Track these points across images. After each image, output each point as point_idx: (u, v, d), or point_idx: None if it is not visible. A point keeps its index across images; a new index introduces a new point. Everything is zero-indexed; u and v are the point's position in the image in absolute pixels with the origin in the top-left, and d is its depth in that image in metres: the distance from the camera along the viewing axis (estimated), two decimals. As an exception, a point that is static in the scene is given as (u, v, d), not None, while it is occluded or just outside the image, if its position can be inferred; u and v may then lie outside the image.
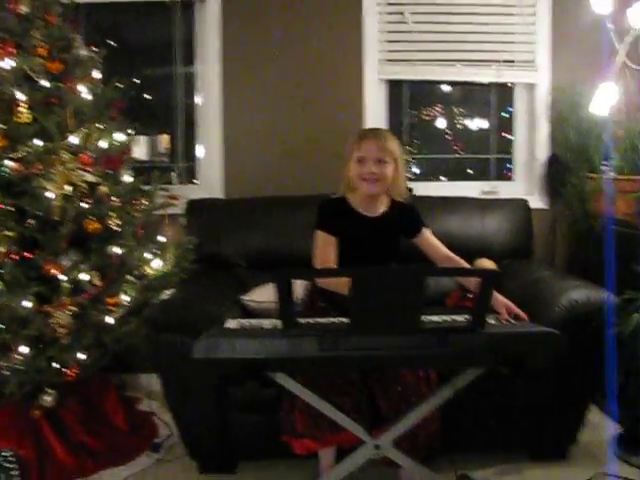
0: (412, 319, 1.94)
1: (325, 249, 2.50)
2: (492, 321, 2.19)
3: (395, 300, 1.90)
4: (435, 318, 2.19)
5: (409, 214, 2.64)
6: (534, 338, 2.07)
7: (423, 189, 3.66)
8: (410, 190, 2.68)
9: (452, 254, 2.60)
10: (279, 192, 3.64)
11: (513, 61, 3.87)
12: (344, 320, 2.12)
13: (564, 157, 3.77)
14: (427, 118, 4.17)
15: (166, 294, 2.80)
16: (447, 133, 4.19)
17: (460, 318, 2.20)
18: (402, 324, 1.94)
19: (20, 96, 2.84)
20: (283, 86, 3.82)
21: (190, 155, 3.98)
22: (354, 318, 1.95)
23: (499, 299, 2.31)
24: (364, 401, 2.41)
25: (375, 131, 2.55)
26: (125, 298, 2.99)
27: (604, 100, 3.33)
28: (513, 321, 2.27)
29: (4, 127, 2.85)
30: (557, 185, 3.79)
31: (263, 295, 3.03)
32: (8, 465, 2.74)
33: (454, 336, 1.97)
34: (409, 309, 1.93)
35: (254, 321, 2.21)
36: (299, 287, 2.81)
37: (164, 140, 4.25)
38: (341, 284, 2.20)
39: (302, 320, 2.07)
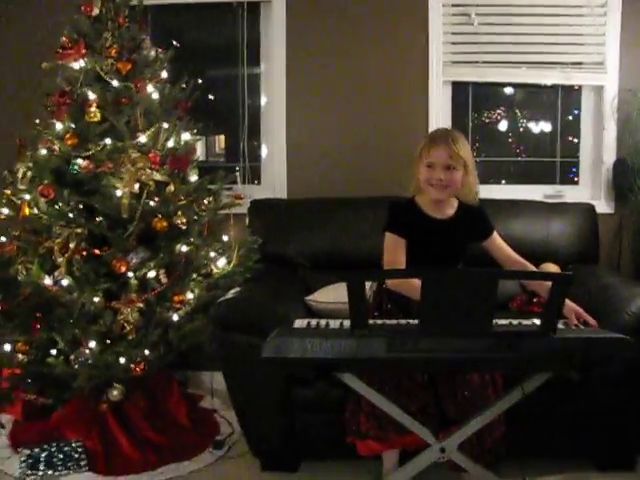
0: (483, 322, 1.93)
1: (395, 251, 2.48)
2: (561, 326, 2.16)
3: (467, 303, 1.89)
4: (503, 322, 2.17)
5: (479, 217, 2.61)
6: (605, 343, 2.03)
7: (486, 192, 3.58)
8: (476, 193, 2.64)
9: (520, 258, 2.57)
10: (342, 193, 3.64)
11: (581, 63, 3.80)
12: (412, 322, 2.12)
13: (632, 161, 3.69)
14: (491, 120, 4.12)
15: (231, 293, 2.81)
16: (510, 136, 4.13)
17: (528, 322, 2.18)
18: (473, 327, 1.93)
19: (91, 96, 2.92)
20: (347, 87, 3.83)
21: (252, 155, 4.01)
22: (424, 320, 1.94)
23: (568, 304, 2.27)
24: (431, 404, 2.40)
25: (445, 136, 2.49)
26: (191, 296, 3.04)
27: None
28: (582, 327, 2.24)
29: (75, 126, 2.93)
30: (624, 189, 3.72)
31: (327, 296, 3.04)
32: (77, 455, 2.81)
33: (525, 340, 1.95)
34: (481, 312, 1.91)
35: (322, 321, 2.21)
36: (366, 288, 2.80)
37: (220, 141, 4.29)
38: (413, 288, 2.19)
39: (371, 321, 2.07)
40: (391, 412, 2.23)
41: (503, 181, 4.13)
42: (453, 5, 3.79)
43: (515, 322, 2.20)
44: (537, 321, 2.13)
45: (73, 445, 2.85)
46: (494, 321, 2.03)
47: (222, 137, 4.32)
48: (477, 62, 3.81)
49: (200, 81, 4.00)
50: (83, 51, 2.97)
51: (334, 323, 2.18)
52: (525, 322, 2.20)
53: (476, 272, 1.99)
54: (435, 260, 2.47)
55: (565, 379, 2.13)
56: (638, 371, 2.50)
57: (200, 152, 4.13)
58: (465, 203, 2.59)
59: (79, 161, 2.90)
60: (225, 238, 3.36)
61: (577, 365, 2.06)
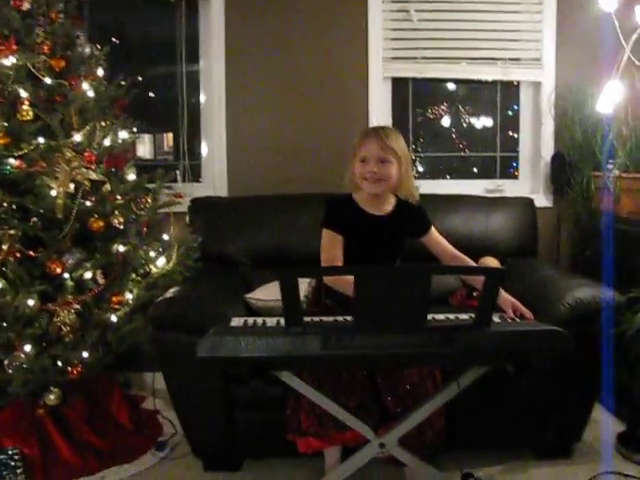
0: (418, 318, 1.93)
1: (333, 248, 2.48)
2: (497, 319, 2.19)
3: (401, 298, 1.89)
4: (440, 317, 2.19)
5: (416, 214, 2.62)
6: (539, 336, 2.05)
7: (427, 187, 3.63)
8: (416, 188, 2.65)
9: (458, 253, 2.59)
10: (283, 190, 3.62)
11: (519, 59, 3.86)
12: (349, 318, 2.11)
13: (569, 155, 3.76)
14: (432, 116, 4.15)
15: (170, 292, 2.78)
16: (452, 131, 4.17)
17: (465, 317, 2.20)
18: (408, 323, 1.93)
19: (23, 93, 2.84)
20: (287, 84, 3.81)
21: (194, 153, 3.97)
22: (359, 316, 1.94)
23: (505, 297, 2.30)
24: (370, 399, 2.41)
25: (378, 130, 2.50)
26: (129, 296, 2.99)
27: (610, 98, 3.31)
28: (518, 319, 2.27)
29: (7, 125, 2.85)
30: (562, 183, 3.78)
31: (268, 293, 3.02)
32: (13, 463, 2.74)
33: (460, 334, 1.96)
34: (415, 308, 1.92)
35: (259, 319, 2.20)
36: (304, 285, 2.79)
37: (168, 138, 4.25)
38: (346, 284, 2.18)
39: (307, 318, 2.06)
40: (330, 409, 2.23)
41: (447, 176, 4.16)
42: (392, 1, 3.80)
43: (452, 317, 2.22)
44: (474, 315, 2.15)
45: (9, 453, 2.77)
46: (430, 316, 2.04)
47: (170, 135, 4.26)
48: (417, 58, 3.84)
49: (140, 79, 3.95)
50: (14, 47, 2.87)
51: (271, 321, 2.17)
52: (462, 316, 2.22)
53: (409, 268, 2.00)
54: (373, 256, 2.48)
55: (501, 372, 2.14)
56: (572, 362, 2.54)
57: (148, 150, 4.10)
58: (403, 200, 2.59)
59: (11, 161, 2.82)
60: (165, 237, 3.32)
61: (512, 358, 2.08)
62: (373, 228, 2.54)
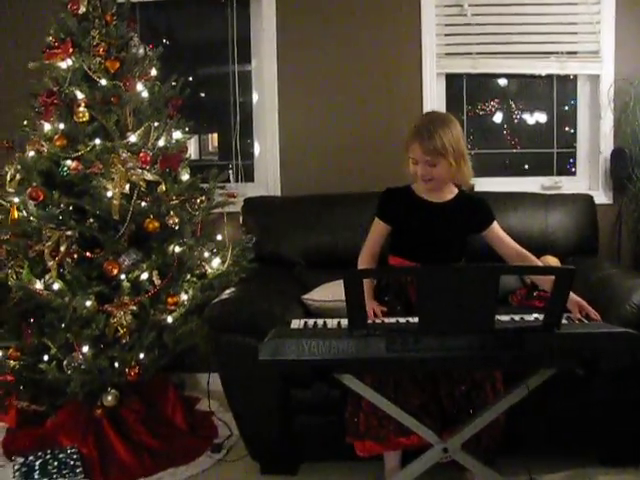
0: (486, 319, 1.88)
1: (371, 238, 2.59)
2: (564, 320, 2.12)
3: (467, 299, 1.84)
4: (505, 318, 2.13)
5: (479, 206, 2.58)
6: (610, 338, 1.99)
7: (482, 185, 3.57)
8: (472, 186, 2.61)
9: (523, 249, 2.53)
10: (337, 189, 3.58)
11: (576, 52, 3.75)
12: (412, 319, 2.07)
13: (629, 150, 3.64)
14: (485, 112, 4.07)
15: (226, 293, 2.76)
16: (506, 128, 4.08)
17: (530, 318, 2.14)
18: (475, 324, 1.88)
19: (79, 95, 2.87)
20: (340, 82, 3.77)
21: (245, 153, 3.95)
22: (424, 318, 1.89)
23: (572, 297, 2.23)
24: (431, 402, 2.35)
25: (422, 131, 2.41)
26: (185, 297, 2.99)
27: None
28: (585, 320, 2.20)
29: (64, 127, 2.88)
30: (622, 179, 3.67)
31: (324, 294, 2.98)
32: (72, 462, 2.76)
33: (529, 336, 1.91)
34: (482, 309, 1.87)
35: (319, 321, 2.17)
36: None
37: (213, 139, 4.24)
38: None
39: (369, 320, 2.03)
40: (392, 412, 2.18)
41: (500, 174, 4.07)
42: (446, -4, 3.74)
43: (517, 318, 2.16)
44: (539, 316, 2.09)
45: (68, 452, 2.80)
46: (495, 317, 1.98)
47: (215, 135, 4.27)
48: (471, 53, 3.75)
49: (191, 79, 3.96)
50: (70, 50, 2.92)
51: (331, 323, 2.15)
52: (527, 317, 2.16)
53: (476, 268, 1.94)
54: (433, 245, 2.48)
55: (570, 375, 2.07)
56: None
57: (193, 151, 4.10)
58: (465, 192, 2.57)
59: (68, 162, 2.85)
60: (219, 237, 3.31)
61: (582, 361, 2.01)
62: (431, 215, 2.52)
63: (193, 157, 4.09)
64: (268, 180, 3.83)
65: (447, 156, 2.40)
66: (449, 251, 2.53)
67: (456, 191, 2.56)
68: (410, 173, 2.50)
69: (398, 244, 2.58)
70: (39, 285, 2.77)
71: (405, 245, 2.55)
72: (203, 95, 4.11)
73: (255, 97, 3.89)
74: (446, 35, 3.77)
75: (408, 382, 2.35)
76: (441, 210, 2.53)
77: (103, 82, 2.92)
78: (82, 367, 2.71)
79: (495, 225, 2.57)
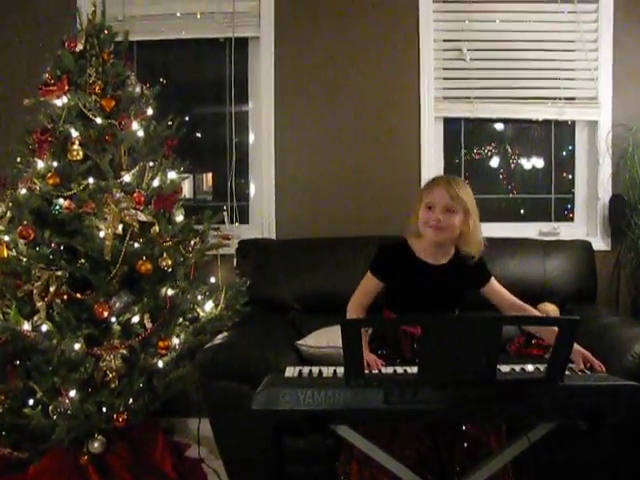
0: (487, 370, 1.82)
1: (361, 291, 2.51)
2: (567, 372, 2.06)
3: (469, 350, 1.79)
4: (505, 368, 2.08)
5: (476, 266, 2.51)
6: (615, 392, 1.93)
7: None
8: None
9: (518, 301, 2.49)
10: (332, 233, 3.55)
11: (574, 98, 3.76)
12: (409, 369, 2.02)
13: (628, 197, 3.63)
14: (483, 157, 4.05)
15: (219, 338, 2.71)
16: (502, 172, 4.07)
17: (530, 368, 2.09)
18: (476, 376, 1.82)
19: (74, 133, 2.85)
20: (337, 125, 3.76)
21: (239, 194, 3.91)
22: (423, 368, 1.84)
23: (575, 348, 2.17)
24: (430, 455, 2.28)
25: (448, 178, 2.44)
26: (176, 341, 2.93)
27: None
28: (588, 372, 2.14)
29: (57, 164, 2.84)
30: (621, 226, 3.65)
31: (319, 340, 2.92)
32: (55, 513, 2.67)
33: (531, 388, 1.85)
34: (484, 360, 1.81)
35: (314, 369, 2.11)
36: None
37: (208, 178, 4.21)
38: None
39: (367, 370, 1.97)
40: (388, 464, 2.10)
41: (497, 219, 4.04)
42: (445, 40, 3.75)
43: (517, 368, 2.11)
44: (540, 366, 2.05)
45: (52, 501, 2.71)
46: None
47: (209, 175, 4.23)
48: (469, 97, 3.76)
49: (187, 119, 3.94)
50: (66, 87, 2.90)
51: (327, 371, 2.08)
52: (528, 368, 2.10)
53: (479, 319, 1.89)
54: (428, 306, 2.38)
55: (573, 428, 2.01)
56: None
57: (187, 190, 4.06)
58: (461, 251, 2.49)
59: (60, 201, 2.82)
60: (212, 280, 3.26)
61: (585, 414, 1.94)
62: (428, 277, 2.46)
63: (187, 196, 4.06)
64: (263, 222, 3.79)
65: (467, 211, 2.39)
66: (445, 308, 2.48)
67: (453, 252, 2.51)
68: (418, 224, 2.43)
69: (392, 299, 2.52)
70: (27, 326, 2.70)
71: (399, 301, 2.49)
72: (199, 135, 4.09)
73: (251, 138, 3.87)
74: (444, 79, 3.77)
75: (405, 433, 2.28)
76: (438, 273, 2.47)
77: (98, 120, 2.89)
78: (68, 412, 2.64)
79: (492, 281, 2.53)
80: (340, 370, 1.97)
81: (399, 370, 2.09)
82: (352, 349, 1.79)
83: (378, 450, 2.10)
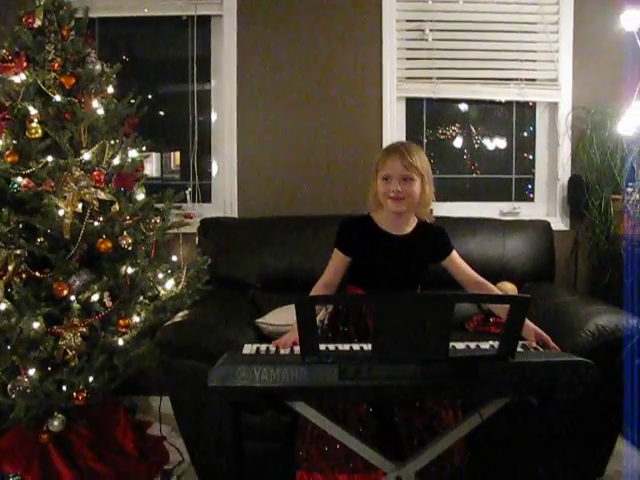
0: (440, 348, 1.85)
1: (332, 269, 2.51)
2: (520, 349, 2.10)
3: (422, 328, 1.81)
4: (460, 345, 2.11)
5: (438, 236, 2.55)
6: (566, 368, 1.96)
7: (441, 210, 3.56)
8: (431, 210, 2.58)
9: (480, 278, 2.51)
10: (295, 211, 3.57)
11: (535, 79, 3.80)
12: (366, 347, 2.04)
13: (587, 177, 3.68)
14: (444, 137, 4.08)
15: (179, 316, 2.71)
16: (465, 153, 4.10)
17: (486, 345, 2.12)
18: (429, 352, 1.85)
19: (32, 111, 2.81)
20: (300, 104, 3.75)
21: (204, 173, 3.90)
22: (377, 345, 1.86)
23: (529, 326, 2.22)
24: (388, 434, 2.32)
25: (401, 147, 2.43)
26: (137, 319, 2.93)
27: (632, 119, 3.24)
28: (541, 349, 2.18)
29: (15, 142, 2.81)
30: (580, 206, 3.70)
31: (279, 318, 2.95)
32: (15, 490, 2.67)
33: (483, 365, 1.88)
34: (437, 337, 1.83)
35: (271, 346, 2.13)
36: (320, 310, 2.70)
37: (175, 157, 4.19)
38: None
39: (322, 346, 1.99)
40: (343, 440, 2.13)
41: (459, 198, 4.08)
42: (407, 20, 3.76)
43: (472, 345, 2.13)
44: (495, 343, 2.07)
45: (10, 479, 2.70)
46: (450, 345, 1.95)
47: (177, 154, 4.20)
48: (431, 78, 3.77)
49: (150, 97, 3.91)
50: (24, 64, 2.85)
51: (285, 349, 2.10)
52: (483, 345, 2.13)
53: (431, 296, 1.92)
54: (391, 278, 2.43)
55: (525, 403, 2.05)
56: (594, 394, 2.46)
57: (154, 169, 4.04)
58: (424, 222, 2.54)
59: (19, 179, 2.77)
60: (174, 259, 3.26)
61: (537, 390, 1.99)
62: (391, 248, 2.48)
63: (155, 175, 4.04)
64: (225, 201, 3.79)
65: (422, 177, 2.40)
66: (407, 281, 2.51)
67: (415, 222, 2.53)
68: (377, 196, 2.46)
69: (356, 274, 2.54)
70: (-15, 305, 2.68)
71: (363, 275, 2.51)
72: (162, 113, 4.05)
73: (214, 117, 3.85)
74: (407, 59, 3.78)
75: (359, 412, 2.32)
76: (401, 243, 2.49)
77: (57, 98, 2.85)
78: (27, 391, 2.62)
79: (454, 254, 2.55)
80: (297, 348, 1.99)
81: (355, 347, 2.11)
82: (306, 326, 1.80)
83: (334, 425, 2.11)
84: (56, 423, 2.79)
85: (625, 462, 2.99)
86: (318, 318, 2.54)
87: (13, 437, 2.85)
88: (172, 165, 4.22)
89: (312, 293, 2.46)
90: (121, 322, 2.86)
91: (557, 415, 2.57)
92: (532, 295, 3.04)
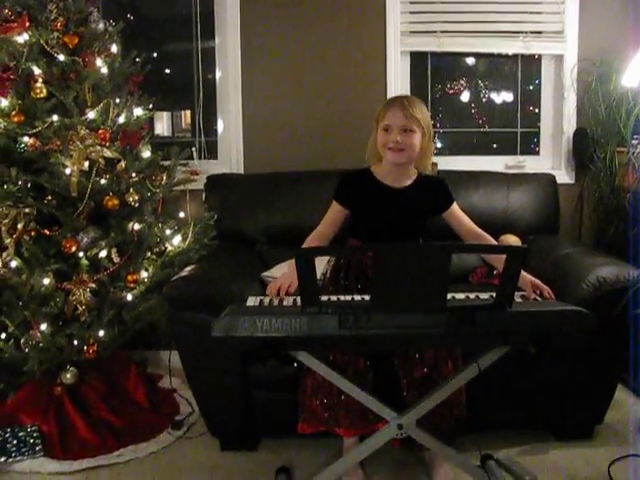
0: (438, 297, 1.89)
1: (326, 220, 2.54)
2: (518, 299, 2.14)
3: (420, 278, 1.85)
4: (460, 296, 2.15)
5: (439, 188, 2.56)
6: (564, 317, 2.01)
7: (446, 164, 3.58)
8: (434, 164, 2.60)
9: (480, 230, 2.53)
10: (300, 167, 3.58)
11: (541, 32, 3.76)
12: (367, 298, 2.08)
13: (592, 130, 3.67)
14: (452, 92, 4.07)
15: (186, 271, 2.76)
16: (471, 107, 4.09)
17: (485, 296, 2.15)
18: (427, 302, 1.90)
19: (36, 71, 2.82)
20: (304, 60, 3.74)
21: (210, 131, 3.92)
22: (376, 296, 1.90)
23: (525, 276, 2.24)
24: (389, 385, 2.40)
25: (402, 99, 2.45)
26: (145, 275, 2.99)
27: (636, 71, 3.22)
28: (539, 299, 2.22)
29: (21, 102, 2.83)
30: (585, 159, 3.69)
31: (284, 271, 2.97)
32: (32, 440, 2.76)
33: (481, 314, 1.92)
34: (435, 287, 1.88)
35: (275, 298, 2.18)
36: (323, 263, 2.74)
37: (186, 116, 4.20)
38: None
39: (324, 297, 2.03)
40: (346, 388, 2.20)
41: (465, 152, 4.09)
42: (411, -27, 3.72)
43: (472, 296, 2.17)
44: (494, 295, 2.11)
45: (28, 430, 2.79)
46: (450, 295, 2.00)
47: (188, 112, 4.20)
48: (436, 32, 3.74)
49: (155, 55, 3.91)
50: (27, 24, 2.84)
51: (287, 300, 2.16)
52: (483, 296, 2.17)
53: (428, 246, 1.96)
54: (392, 230, 2.45)
55: (522, 352, 2.10)
56: (595, 342, 2.49)
57: (166, 128, 4.05)
58: (424, 174, 2.55)
59: (26, 139, 2.80)
60: (181, 215, 3.30)
61: (534, 339, 2.03)
62: (391, 201, 2.50)
63: (166, 134, 4.06)
64: (231, 158, 3.80)
65: (423, 130, 2.41)
66: (408, 234, 2.51)
67: (415, 174, 2.54)
68: (377, 147, 2.47)
69: (357, 227, 2.56)
70: (-4, 262, 2.74)
71: (364, 228, 2.53)
72: (167, 72, 4.05)
73: (218, 74, 3.84)
74: (411, 13, 3.74)
75: (358, 365, 2.38)
76: (401, 196, 2.50)
77: (61, 57, 2.86)
78: (40, 345, 2.69)
79: (454, 207, 2.56)
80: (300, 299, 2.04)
81: (357, 298, 2.16)
82: (306, 277, 1.85)
83: (336, 374, 2.18)
84: (69, 376, 2.88)
85: (624, 410, 3.05)
86: (320, 271, 2.56)
87: (29, 390, 2.94)
88: (183, 124, 4.23)
89: (305, 244, 2.48)
90: (129, 277, 2.93)
91: (557, 364, 2.62)
92: (536, 247, 3.15)
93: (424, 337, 1.99)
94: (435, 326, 1.91)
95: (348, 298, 2.15)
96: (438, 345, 2.35)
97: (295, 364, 2.50)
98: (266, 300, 2.16)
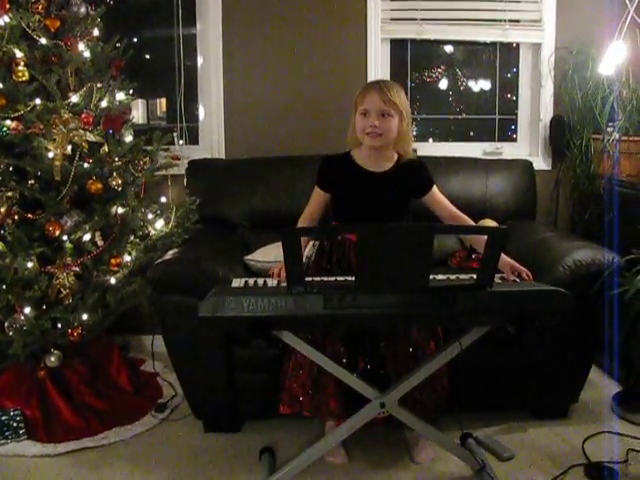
0: (420, 277, 1.93)
1: (311, 205, 2.59)
2: (498, 280, 2.19)
3: (403, 258, 1.89)
4: (441, 277, 2.20)
5: (419, 171, 2.59)
6: (541, 296, 2.06)
7: (425, 150, 3.64)
8: (414, 151, 2.63)
9: (460, 213, 2.58)
10: (281, 152, 3.60)
11: (519, 20, 3.81)
12: (350, 279, 2.11)
13: (569, 118, 3.73)
14: (430, 79, 4.11)
15: (169, 254, 2.77)
16: (450, 94, 4.14)
17: (466, 277, 2.20)
18: (410, 282, 1.94)
19: (18, 54, 2.80)
20: (285, 46, 3.75)
21: (191, 116, 3.93)
22: (360, 276, 1.94)
23: (504, 259, 2.30)
24: (373, 366, 2.44)
25: (380, 83, 2.47)
26: (128, 258, 3.00)
27: (612, 60, 3.28)
28: (518, 280, 2.27)
29: (2, 86, 2.81)
30: (561, 146, 3.76)
31: (267, 255, 3.01)
32: (15, 424, 2.77)
33: (462, 294, 1.96)
34: (417, 267, 1.92)
35: (259, 280, 2.21)
36: (309, 246, 2.77)
37: (162, 104, 4.20)
38: None
39: (308, 278, 2.07)
40: (329, 368, 2.24)
41: (444, 139, 4.13)
42: (391, -40, 3.74)
43: (453, 277, 2.22)
44: (475, 276, 2.15)
45: (11, 414, 2.80)
46: (431, 277, 2.03)
47: (163, 100, 4.20)
48: (416, 19, 3.77)
49: (136, 40, 3.89)
50: (7, 6, 2.81)
51: (271, 282, 2.20)
52: (463, 277, 2.23)
53: (411, 227, 1.99)
54: (374, 214, 2.47)
55: (502, 332, 2.14)
56: (570, 324, 2.57)
57: (141, 115, 4.05)
58: (405, 158, 2.57)
59: (8, 122, 2.78)
60: (163, 199, 3.31)
61: (513, 318, 2.08)
62: (371, 185, 2.52)
63: (141, 121, 4.06)
64: (212, 143, 3.81)
65: (400, 114, 2.44)
66: (390, 217, 2.53)
67: (395, 158, 2.57)
68: (356, 132, 2.49)
69: (340, 211, 2.59)
70: (-21, 246, 2.73)
71: (345, 212, 2.56)
72: (148, 57, 4.04)
73: (200, 60, 3.84)
74: (392, 0, 3.77)
75: (335, 349, 2.42)
76: (381, 180, 2.53)
77: (43, 41, 2.84)
78: (24, 328, 2.69)
79: (435, 189, 2.60)
80: (284, 282, 2.06)
81: (340, 279, 2.20)
82: (292, 257, 1.88)
83: (320, 354, 2.22)
84: (53, 359, 2.89)
85: (598, 390, 3.13)
86: (305, 254, 2.60)
87: (12, 374, 2.95)
88: (158, 112, 4.22)
89: (299, 225, 2.53)
90: (112, 261, 2.94)
91: (535, 346, 2.68)
92: (513, 232, 3.20)
93: (408, 316, 2.04)
94: (418, 306, 1.95)
95: (332, 279, 2.19)
96: (421, 325, 2.40)
97: (280, 346, 2.52)
98: (251, 281, 2.20)
